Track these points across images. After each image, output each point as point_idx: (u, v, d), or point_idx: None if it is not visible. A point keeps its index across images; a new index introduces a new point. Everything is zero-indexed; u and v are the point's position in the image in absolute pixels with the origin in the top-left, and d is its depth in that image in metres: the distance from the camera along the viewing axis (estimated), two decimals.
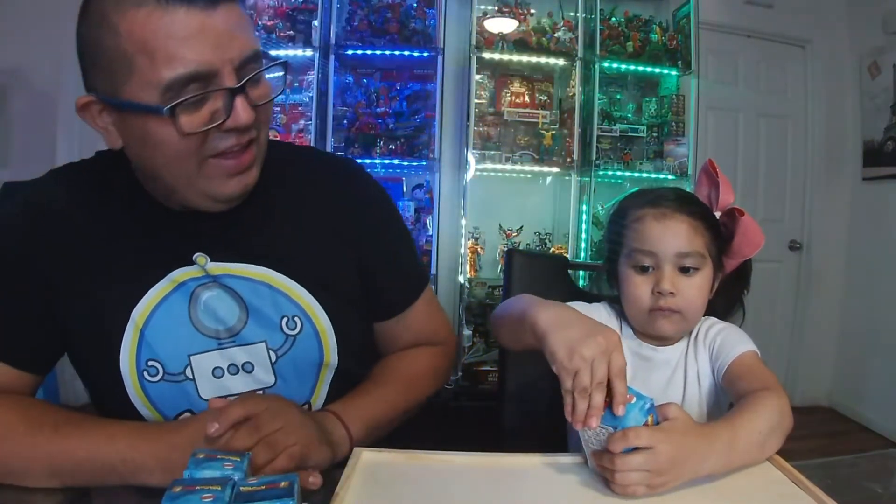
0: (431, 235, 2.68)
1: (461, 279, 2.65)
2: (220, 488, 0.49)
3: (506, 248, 2.65)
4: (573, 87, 2.73)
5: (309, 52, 2.54)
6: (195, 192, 0.70)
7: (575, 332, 0.65)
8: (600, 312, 0.91)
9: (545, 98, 2.92)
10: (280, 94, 0.74)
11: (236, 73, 0.65)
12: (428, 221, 2.71)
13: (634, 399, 0.62)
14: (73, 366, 0.78)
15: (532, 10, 2.78)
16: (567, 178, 2.78)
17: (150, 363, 0.74)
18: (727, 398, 0.83)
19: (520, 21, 2.72)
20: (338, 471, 0.64)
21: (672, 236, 0.83)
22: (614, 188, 2.83)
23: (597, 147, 2.72)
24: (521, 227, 2.86)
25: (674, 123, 2.83)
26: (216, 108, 0.65)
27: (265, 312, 0.77)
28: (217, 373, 0.76)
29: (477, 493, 0.63)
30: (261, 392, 0.78)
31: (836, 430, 3.03)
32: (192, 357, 0.75)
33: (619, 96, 2.95)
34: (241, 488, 0.51)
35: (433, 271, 2.67)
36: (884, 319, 2.97)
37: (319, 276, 0.80)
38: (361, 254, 0.85)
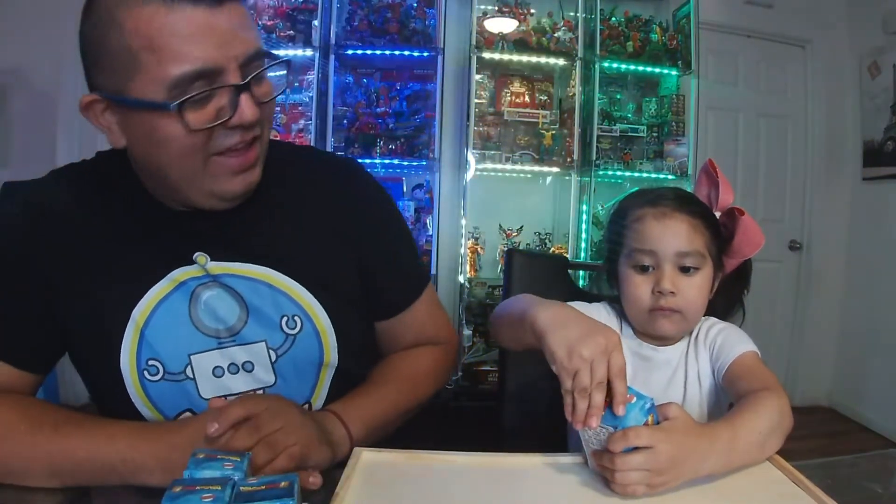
0: (431, 235, 2.68)
1: (461, 279, 2.66)
2: (220, 488, 0.49)
3: (506, 248, 2.65)
4: (573, 87, 2.73)
5: (309, 52, 2.54)
6: (200, 191, 0.70)
7: (574, 332, 0.65)
8: (600, 312, 0.91)
9: (545, 98, 2.93)
10: (282, 92, 0.74)
11: (241, 70, 0.65)
12: (428, 221, 2.71)
13: (634, 399, 0.62)
14: (74, 365, 0.78)
15: (532, 10, 2.78)
16: (567, 178, 2.78)
17: (150, 362, 0.74)
18: (727, 398, 0.83)
19: (520, 21, 2.72)
20: (338, 471, 0.64)
21: (672, 236, 0.83)
22: (614, 188, 2.83)
23: (597, 147, 2.72)
24: (521, 227, 2.86)
25: (674, 123, 2.83)
26: (221, 105, 0.65)
27: (265, 312, 0.78)
28: (217, 372, 0.76)
29: (477, 493, 0.63)
30: (261, 391, 0.78)
31: (836, 430, 3.03)
32: (192, 356, 0.75)
33: (619, 96, 2.95)
34: (241, 488, 0.51)
35: (433, 271, 2.67)
36: (884, 319, 2.97)
37: (319, 275, 0.80)
38: (361, 253, 0.85)
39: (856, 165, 3.18)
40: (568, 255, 2.67)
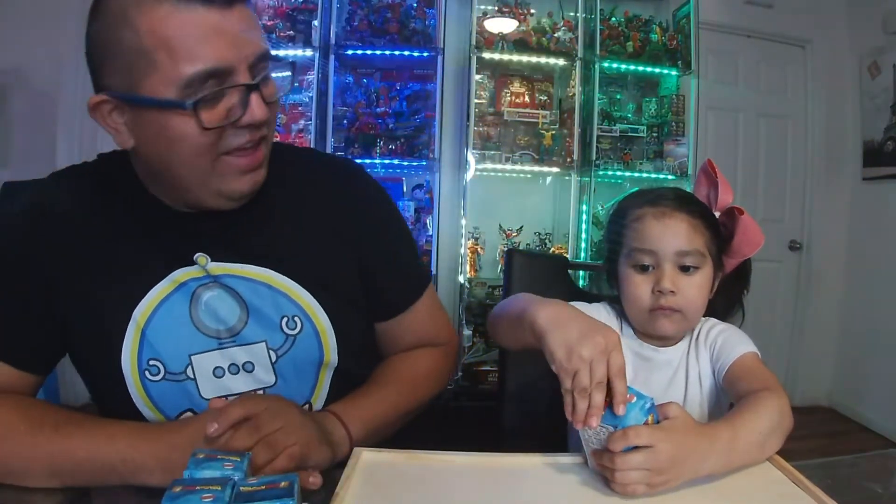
0: (431, 235, 2.68)
1: (461, 279, 2.66)
2: (220, 488, 0.49)
3: (506, 248, 2.65)
4: (573, 87, 2.73)
5: (309, 52, 2.54)
6: (208, 190, 0.71)
7: (573, 332, 0.65)
8: (600, 312, 0.91)
9: (545, 98, 2.93)
10: (287, 92, 0.75)
11: (250, 71, 0.67)
12: (428, 221, 2.71)
13: (635, 398, 0.62)
14: (75, 366, 0.78)
15: (532, 10, 2.78)
16: (567, 178, 2.78)
17: (151, 362, 0.74)
18: (728, 399, 0.83)
19: (520, 21, 2.72)
20: (338, 471, 0.64)
21: (672, 235, 0.83)
22: (614, 188, 2.83)
23: (597, 147, 2.72)
24: (521, 227, 2.86)
25: (674, 123, 2.83)
26: (231, 104, 0.66)
27: (265, 312, 0.78)
28: (218, 372, 0.76)
29: (477, 493, 0.63)
30: (261, 392, 0.78)
31: (836, 430, 3.03)
32: (192, 357, 0.75)
33: (619, 96, 2.95)
34: (241, 488, 0.51)
35: (433, 271, 2.67)
36: (884, 319, 2.97)
37: (319, 276, 0.81)
38: (361, 253, 0.85)
39: (856, 165, 3.18)
40: (568, 255, 2.67)
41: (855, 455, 0.74)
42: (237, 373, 0.77)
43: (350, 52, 2.64)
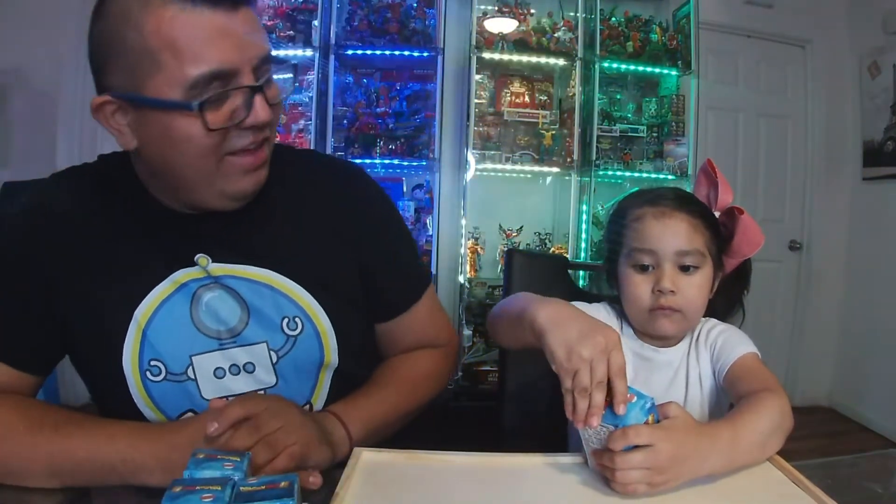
0: (431, 235, 2.68)
1: (461, 279, 2.65)
2: (220, 488, 0.49)
3: (506, 248, 2.65)
4: (573, 87, 2.73)
5: (309, 52, 2.54)
6: (212, 191, 0.71)
7: (573, 332, 0.65)
8: (600, 312, 0.91)
9: (545, 98, 2.92)
10: (289, 94, 0.75)
11: (254, 73, 0.67)
12: (428, 221, 2.71)
13: (635, 398, 0.62)
14: (75, 367, 0.78)
15: (532, 10, 2.78)
16: (567, 178, 2.78)
17: (152, 363, 0.74)
18: (728, 400, 0.83)
19: (520, 21, 2.72)
20: (338, 471, 0.64)
21: (672, 235, 0.83)
22: (614, 188, 2.83)
23: (597, 147, 2.72)
24: (521, 227, 2.85)
25: (674, 123, 2.83)
26: (235, 106, 0.67)
27: (266, 313, 0.78)
28: (218, 373, 0.76)
29: (477, 493, 0.63)
30: (262, 392, 0.78)
31: (836, 430, 3.03)
32: (193, 357, 0.75)
33: (619, 96, 2.95)
34: (241, 488, 0.51)
35: (433, 271, 2.66)
36: (884, 319, 2.97)
37: (320, 276, 0.81)
38: (362, 253, 0.85)
39: (856, 165, 3.18)
40: (568, 255, 2.67)
41: (855, 455, 0.74)
42: (238, 373, 0.77)
43: (350, 52, 2.64)
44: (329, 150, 2.60)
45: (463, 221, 2.65)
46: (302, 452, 0.64)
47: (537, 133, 2.79)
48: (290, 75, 0.75)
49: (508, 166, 2.71)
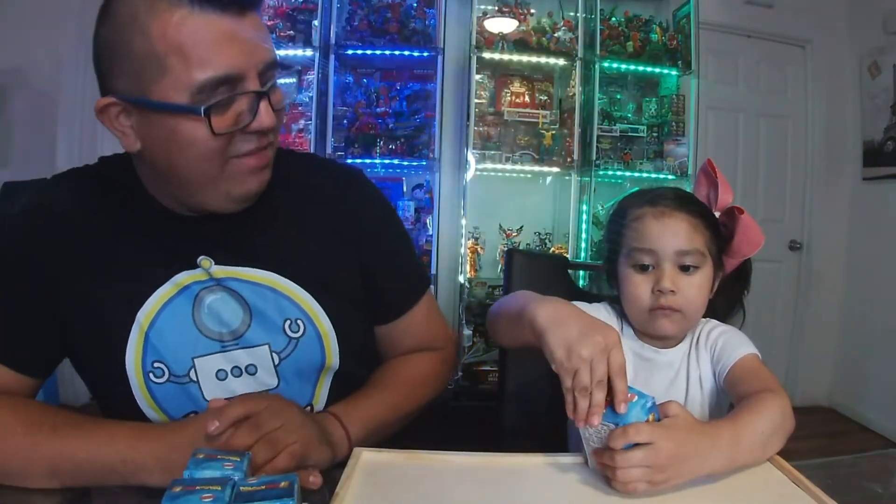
0: (431, 235, 2.67)
1: (461, 279, 2.66)
2: (220, 488, 0.49)
3: (506, 248, 2.65)
4: (573, 87, 2.73)
5: (309, 52, 2.52)
6: (216, 193, 0.71)
7: (573, 331, 0.65)
8: (600, 312, 0.91)
9: (545, 98, 2.92)
10: (292, 100, 0.75)
11: (259, 78, 0.67)
12: (428, 221, 2.71)
13: (636, 397, 0.62)
14: (76, 368, 0.78)
15: (532, 10, 2.78)
16: (567, 178, 2.78)
17: (155, 365, 0.74)
18: (728, 402, 0.83)
19: (520, 21, 2.72)
20: (338, 471, 0.64)
21: (672, 234, 0.83)
22: (614, 188, 2.83)
23: (597, 147, 2.72)
24: (521, 227, 2.86)
25: (674, 123, 2.83)
26: (240, 110, 0.67)
27: (268, 315, 0.78)
28: (220, 375, 0.76)
29: (477, 493, 0.63)
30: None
31: (836, 430, 3.03)
32: (195, 359, 0.75)
33: (619, 96, 2.95)
34: (241, 488, 0.50)
35: (433, 271, 2.67)
36: (884, 319, 2.97)
37: (321, 277, 0.81)
38: (363, 253, 0.85)
39: (856, 165, 3.18)
40: (568, 255, 2.67)
41: (855, 455, 0.74)
42: (240, 375, 0.77)
43: (350, 52, 2.64)
44: (329, 150, 2.60)
45: (463, 221, 2.65)
46: (302, 451, 0.64)
47: (537, 133, 2.79)
48: (294, 80, 0.75)
49: (508, 166, 2.71)
